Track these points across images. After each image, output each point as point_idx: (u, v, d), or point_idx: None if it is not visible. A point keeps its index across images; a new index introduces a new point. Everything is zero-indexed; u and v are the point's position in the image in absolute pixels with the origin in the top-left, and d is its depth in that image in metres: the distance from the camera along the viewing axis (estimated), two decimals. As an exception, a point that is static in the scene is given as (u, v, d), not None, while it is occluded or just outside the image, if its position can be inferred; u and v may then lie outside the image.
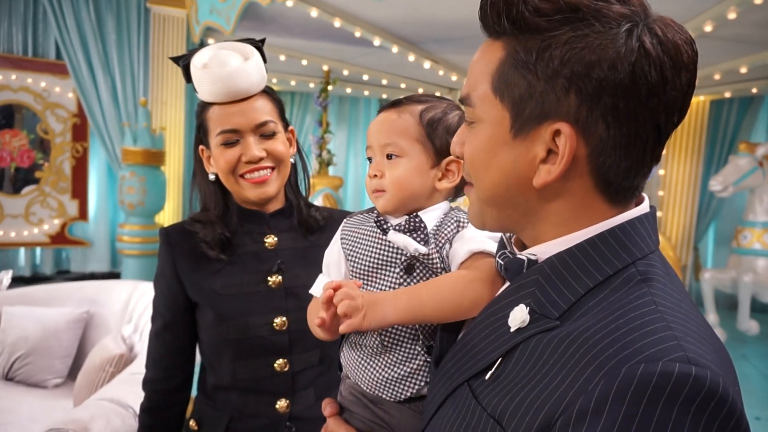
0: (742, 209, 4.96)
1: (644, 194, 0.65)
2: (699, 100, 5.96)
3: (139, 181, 4.85)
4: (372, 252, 0.85)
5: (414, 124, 0.86)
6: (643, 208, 0.62)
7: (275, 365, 1.19)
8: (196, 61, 1.16)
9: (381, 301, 0.74)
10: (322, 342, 1.24)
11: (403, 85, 6.13)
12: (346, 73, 5.80)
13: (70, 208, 5.79)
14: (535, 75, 0.57)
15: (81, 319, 2.79)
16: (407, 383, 0.83)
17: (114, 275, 5.75)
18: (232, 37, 4.04)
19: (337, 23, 4.10)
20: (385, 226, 0.86)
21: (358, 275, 0.86)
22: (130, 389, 1.90)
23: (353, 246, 0.89)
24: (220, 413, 1.22)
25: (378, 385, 0.85)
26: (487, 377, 0.62)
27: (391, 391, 0.84)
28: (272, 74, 6.13)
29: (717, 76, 4.89)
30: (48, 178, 5.68)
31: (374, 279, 0.85)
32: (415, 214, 0.85)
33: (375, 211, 0.90)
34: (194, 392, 1.33)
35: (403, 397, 0.83)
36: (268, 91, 1.22)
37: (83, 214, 5.86)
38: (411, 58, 4.81)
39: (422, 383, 0.83)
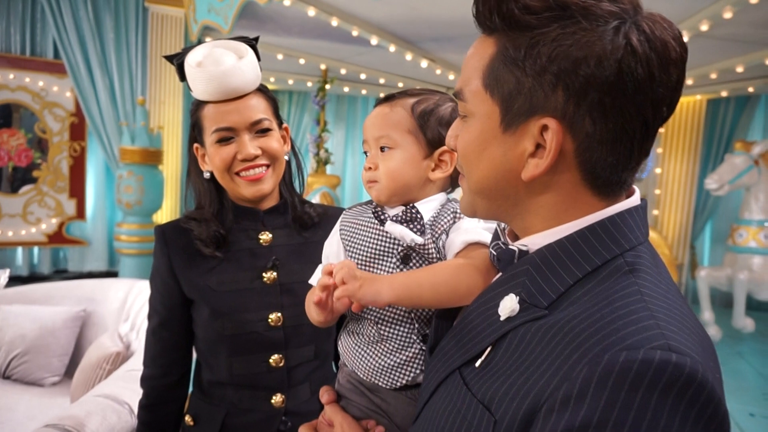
0: (739, 208, 4.98)
1: (635, 187, 0.66)
2: (695, 99, 5.98)
3: (136, 180, 4.86)
4: (370, 242, 0.88)
5: (406, 116, 0.88)
6: (634, 200, 0.64)
7: (271, 361, 1.20)
8: (191, 60, 1.16)
9: (379, 278, 0.77)
10: (317, 337, 1.26)
11: (400, 84, 6.14)
12: (343, 72, 5.80)
13: (67, 207, 5.79)
14: (524, 71, 0.58)
15: (78, 318, 2.80)
16: (403, 371, 0.85)
17: (112, 274, 5.76)
18: (230, 36, 4.05)
19: (334, 22, 4.11)
20: (382, 217, 0.88)
21: (356, 265, 0.88)
22: (126, 386, 1.91)
23: (352, 236, 0.91)
24: (216, 409, 1.23)
25: (374, 372, 0.87)
26: (477, 365, 0.63)
27: (387, 378, 0.86)
28: (270, 73, 6.14)
29: (713, 75, 4.91)
30: (46, 177, 5.68)
31: (372, 268, 0.87)
32: (411, 205, 0.87)
33: (373, 203, 0.92)
34: (190, 388, 1.34)
35: (399, 384, 0.85)
36: (262, 89, 1.23)
37: (81, 213, 5.86)
38: (408, 57, 4.82)
39: (418, 371, 0.85)
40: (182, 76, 1.19)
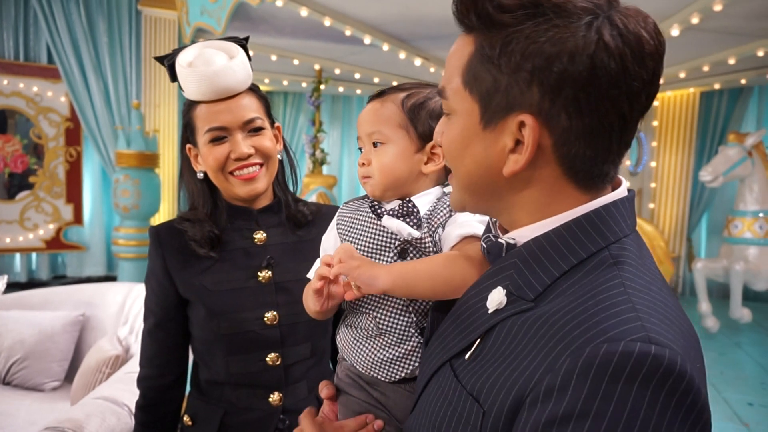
0: (734, 199, 5.00)
1: (622, 178, 0.67)
2: (689, 92, 5.99)
3: (133, 184, 4.86)
4: (367, 236, 0.89)
5: (396, 111, 0.89)
6: (620, 192, 0.64)
7: (267, 359, 1.21)
8: (181, 60, 1.17)
9: (377, 264, 0.79)
10: (314, 335, 1.27)
11: (394, 83, 6.13)
12: (337, 72, 5.81)
13: (64, 212, 5.79)
14: (499, 69, 0.59)
15: (77, 322, 2.80)
16: (402, 364, 0.86)
17: (110, 279, 5.76)
18: (223, 37, 4.04)
19: (327, 22, 4.12)
20: (379, 211, 0.89)
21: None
22: (125, 388, 1.92)
23: (349, 231, 0.92)
24: (213, 408, 1.24)
25: (373, 366, 0.87)
26: (467, 357, 0.64)
27: (386, 371, 0.87)
28: (264, 74, 6.14)
29: (706, 68, 4.93)
30: (42, 183, 5.68)
31: None
32: (408, 199, 0.88)
33: (369, 197, 0.93)
34: (187, 388, 1.35)
35: (398, 377, 0.86)
36: (253, 89, 1.23)
37: (78, 218, 5.85)
38: (402, 55, 4.82)
39: (416, 364, 0.86)
40: (173, 77, 1.20)
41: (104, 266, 6.07)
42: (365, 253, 0.88)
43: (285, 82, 6.52)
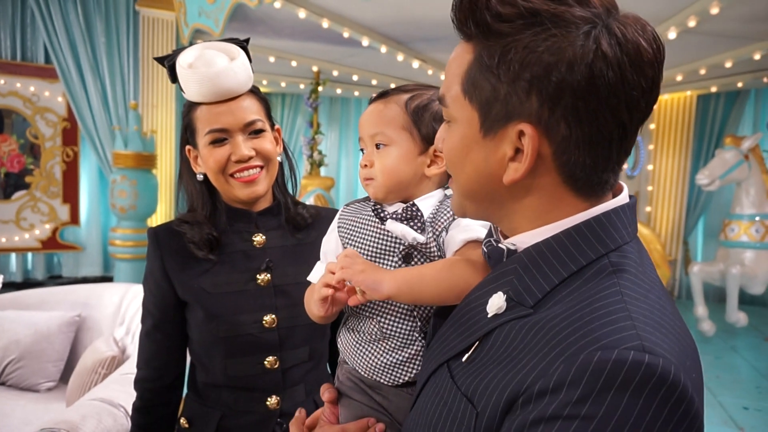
0: (730, 203, 5.01)
1: (623, 184, 0.67)
2: (686, 95, 6.02)
3: (130, 184, 4.84)
4: (370, 241, 0.88)
5: (400, 113, 0.88)
6: (621, 199, 0.64)
7: (266, 362, 1.21)
8: (182, 61, 1.17)
9: (382, 269, 0.78)
10: (312, 338, 1.26)
11: (392, 85, 6.11)
12: (335, 73, 5.81)
13: (61, 212, 5.77)
14: (498, 78, 0.59)
15: (73, 323, 2.79)
16: (405, 368, 0.85)
17: (107, 279, 5.74)
18: (221, 39, 4.05)
19: (325, 24, 4.12)
20: (382, 215, 0.88)
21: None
22: (121, 389, 1.91)
23: (351, 234, 0.91)
24: (210, 411, 1.24)
25: (376, 370, 0.87)
26: (464, 359, 0.65)
27: (389, 375, 0.86)
28: (262, 76, 6.14)
29: (702, 71, 4.95)
30: (38, 182, 5.66)
31: None
32: (411, 202, 0.87)
33: (371, 200, 0.92)
34: (184, 391, 1.34)
35: (401, 381, 0.86)
36: (254, 91, 1.23)
37: (75, 218, 5.83)
38: (400, 57, 4.83)
39: (419, 368, 0.85)
40: (173, 78, 1.19)
41: (100, 267, 6.05)
42: (369, 258, 0.87)
43: (283, 84, 6.52)
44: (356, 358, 0.90)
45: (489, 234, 0.74)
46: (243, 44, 1.24)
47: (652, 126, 6.15)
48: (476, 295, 0.70)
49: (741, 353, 4.59)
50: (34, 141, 5.61)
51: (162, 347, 1.26)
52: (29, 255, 5.91)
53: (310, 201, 4.98)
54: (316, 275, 0.95)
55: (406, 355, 0.85)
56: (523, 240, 0.65)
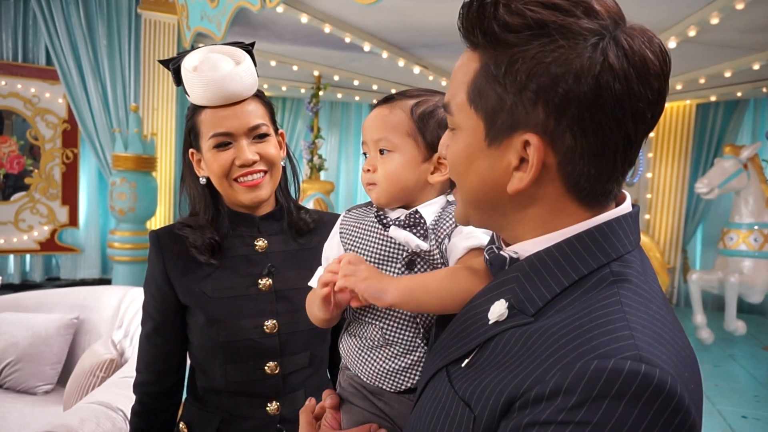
0: (729, 211, 5.02)
1: (626, 193, 0.67)
2: (685, 104, 6.04)
3: (130, 187, 4.84)
4: (373, 247, 0.87)
5: (405, 119, 0.88)
6: (624, 208, 0.64)
7: (266, 368, 1.20)
8: (187, 64, 1.17)
9: (386, 277, 0.78)
10: (312, 344, 1.26)
11: (393, 91, 6.16)
12: (336, 78, 5.83)
13: (60, 214, 5.77)
14: (505, 88, 0.59)
15: (71, 325, 2.78)
16: (407, 374, 0.85)
17: (105, 282, 5.73)
18: (223, 42, 4.07)
19: (327, 29, 4.13)
20: (385, 221, 0.87)
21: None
22: (120, 392, 1.90)
23: (353, 240, 0.90)
24: (210, 416, 1.23)
25: (378, 376, 0.86)
26: (463, 365, 0.65)
27: (391, 382, 0.86)
28: (263, 80, 6.15)
29: (702, 81, 4.98)
30: (38, 184, 5.66)
31: None
32: (414, 209, 0.86)
33: (374, 205, 0.92)
34: (184, 395, 1.34)
35: (402, 387, 0.85)
36: (259, 95, 1.23)
37: (73, 220, 5.83)
38: (401, 63, 4.85)
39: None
40: (178, 81, 1.19)
41: (99, 269, 6.04)
42: (372, 264, 0.87)
43: (284, 88, 6.53)
44: (358, 365, 0.89)
45: (491, 241, 0.74)
46: (248, 48, 1.24)
47: (652, 134, 6.17)
48: (478, 302, 0.70)
49: (739, 362, 4.58)
50: (34, 142, 5.61)
51: (162, 351, 1.26)
52: (27, 257, 5.90)
53: (309, 205, 4.98)
54: (317, 281, 0.95)
55: (409, 361, 0.85)
56: (525, 248, 0.66)
